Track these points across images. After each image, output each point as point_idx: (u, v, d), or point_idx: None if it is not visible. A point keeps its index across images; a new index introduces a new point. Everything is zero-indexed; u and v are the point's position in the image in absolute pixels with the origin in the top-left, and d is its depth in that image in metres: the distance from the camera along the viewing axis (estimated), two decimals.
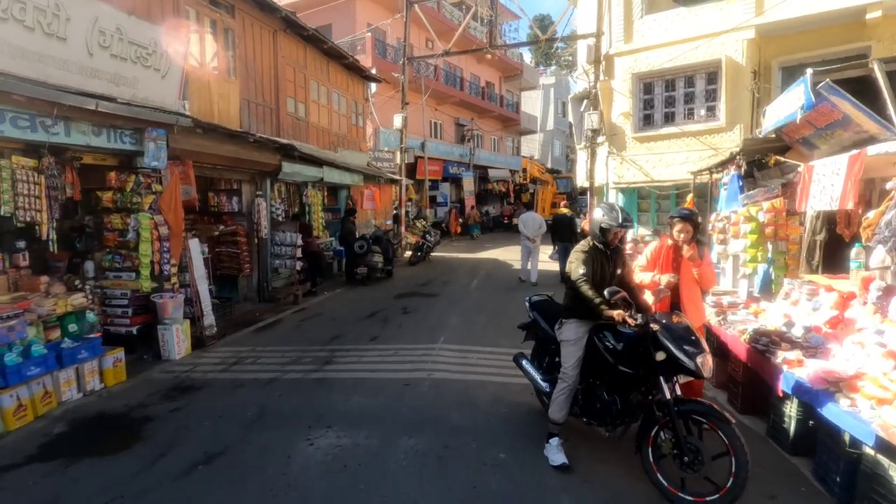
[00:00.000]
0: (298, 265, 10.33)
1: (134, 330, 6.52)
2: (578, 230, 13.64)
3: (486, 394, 5.30)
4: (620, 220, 3.92)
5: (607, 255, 4.04)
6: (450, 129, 31.43)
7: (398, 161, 19.12)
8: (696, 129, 13.29)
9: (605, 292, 3.68)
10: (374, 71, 21.28)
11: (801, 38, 11.96)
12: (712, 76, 13.13)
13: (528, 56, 49.36)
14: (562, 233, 13.44)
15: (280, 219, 10.47)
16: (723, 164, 8.06)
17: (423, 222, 24.16)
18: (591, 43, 15.55)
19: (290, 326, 8.35)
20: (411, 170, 26.88)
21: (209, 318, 7.35)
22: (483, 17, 32.90)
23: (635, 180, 14.45)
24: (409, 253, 16.89)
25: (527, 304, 5.16)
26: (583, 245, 4.10)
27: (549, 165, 39.44)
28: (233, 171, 9.12)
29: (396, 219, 23.73)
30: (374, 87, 22.62)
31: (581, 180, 17.59)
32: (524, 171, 29.40)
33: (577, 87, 17.62)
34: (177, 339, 6.59)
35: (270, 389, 5.47)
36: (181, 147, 7.21)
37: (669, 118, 13.96)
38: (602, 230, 3.96)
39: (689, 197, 11.44)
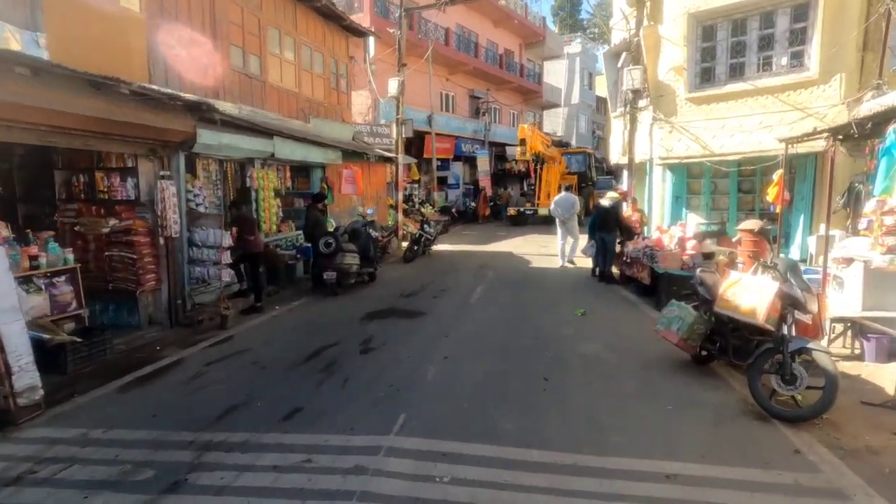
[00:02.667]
0: (227, 274, 7.47)
1: None
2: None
3: None
4: None
5: None
6: (463, 102, 28.16)
7: (395, 136, 16.00)
8: (775, 85, 9.95)
9: None
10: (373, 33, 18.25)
11: None
12: (800, 11, 9.72)
13: (552, 25, 45.53)
14: (605, 223, 10.50)
15: (202, 209, 7.58)
16: (880, 120, 4.85)
17: (431, 208, 21.17)
18: None
19: (181, 378, 5.47)
20: (419, 147, 23.83)
21: (26, 378, 4.50)
22: None
23: (689, 154, 11.21)
24: (407, 245, 13.95)
25: None
26: None
27: (573, 143, 35.88)
28: (110, 141, 6.20)
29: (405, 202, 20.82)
30: (372, 48, 19.55)
31: (616, 156, 14.34)
32: (522, 143, 19.95)
33: (614, 39, 14.24)
34: None
35: None
36: None
37: (737, 71, 10.64)
38: None
39: (778, 175, 8.19)
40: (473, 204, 25.60)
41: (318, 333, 6.97)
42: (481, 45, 28.13)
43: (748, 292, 4.71)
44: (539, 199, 21.18)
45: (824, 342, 5.68)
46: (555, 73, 38.45)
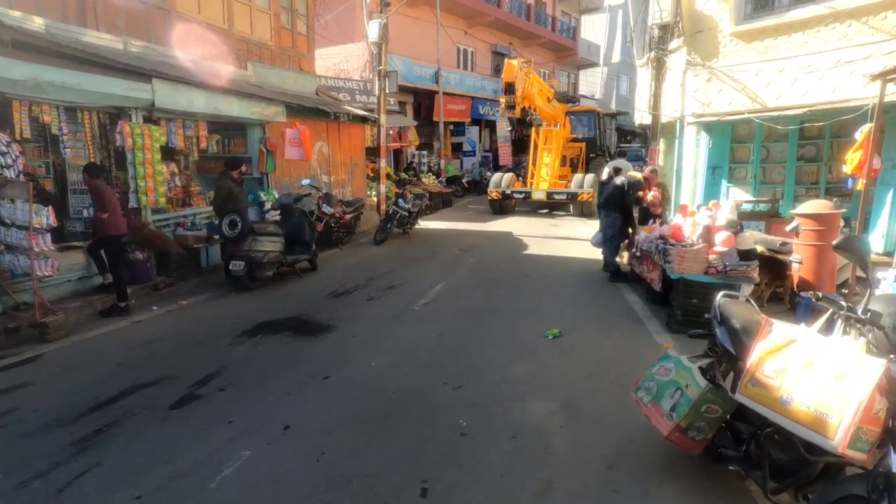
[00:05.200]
0: (47, 266, 5.39)
1: None
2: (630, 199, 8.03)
3: None
4: None
5: None
6: (484, 59, 25.22)
7: (378, 92, 13.51)
8: (867, 4, 6.94)
9: None
10: None
11: None
12: None
13: None
14: (607, 200, 8.17)
15: (11, 174, 5.45)
16: None
17: (434, 178, 18.78)
18: None
19: None
20: (428, 108, 21.26)
21: None
22: None
23: (732, 109, 8.39)
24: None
25: None
26: None
27: (612, 107, 32.29)
28: None
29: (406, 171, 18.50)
30: None
31: (640, 115, 11.50)
32: (510, 89, 12.48)
33: None
34: None
35: None
36: None
37: None
38: None
39: (864, 132, 5.40)
40: (489, 174, 22.89)
41: (156, 358, 4.84)
42: None
43: (810, 375, 2.20)
44: (534, 176, 15.60)
45: None
46: (593, 28, 34.64)
